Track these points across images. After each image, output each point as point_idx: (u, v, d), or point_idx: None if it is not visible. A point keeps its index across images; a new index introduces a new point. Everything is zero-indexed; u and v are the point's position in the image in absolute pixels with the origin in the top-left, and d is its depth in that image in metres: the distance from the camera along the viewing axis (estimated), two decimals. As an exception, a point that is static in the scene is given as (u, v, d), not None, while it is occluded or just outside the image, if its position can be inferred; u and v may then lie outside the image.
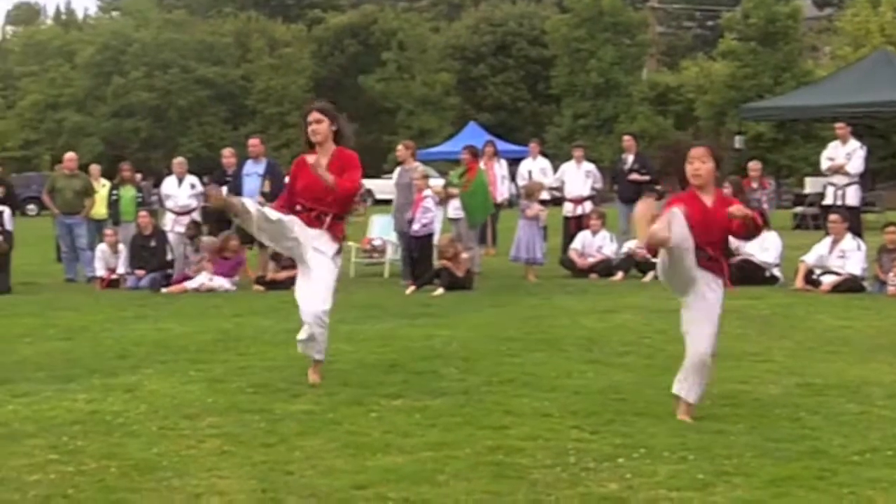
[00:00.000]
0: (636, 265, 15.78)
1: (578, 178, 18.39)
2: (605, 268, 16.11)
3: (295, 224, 7.88)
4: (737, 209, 6.48)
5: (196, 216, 16.93)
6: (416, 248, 15.31)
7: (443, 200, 16.23)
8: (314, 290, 7.89)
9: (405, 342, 9.96)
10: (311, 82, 61.47)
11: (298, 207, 8.05)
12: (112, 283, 16.10)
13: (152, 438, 6.40)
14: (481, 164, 16.95)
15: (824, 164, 18.02)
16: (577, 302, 13.02)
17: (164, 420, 6.85)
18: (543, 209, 16.40)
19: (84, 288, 16.22)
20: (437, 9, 73.77)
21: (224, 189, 13.79)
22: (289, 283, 11.29)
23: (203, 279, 15.25)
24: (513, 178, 20.95)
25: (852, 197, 17.45)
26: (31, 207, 45.29)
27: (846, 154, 17.63)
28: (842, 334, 10.32)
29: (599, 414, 6.84)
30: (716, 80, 49.68)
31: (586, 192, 18.30)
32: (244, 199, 8.35)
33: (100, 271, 16.37)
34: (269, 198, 13.70)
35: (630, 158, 18.41)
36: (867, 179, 21.32)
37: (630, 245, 15.89)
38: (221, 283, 15.24)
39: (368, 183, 49.62)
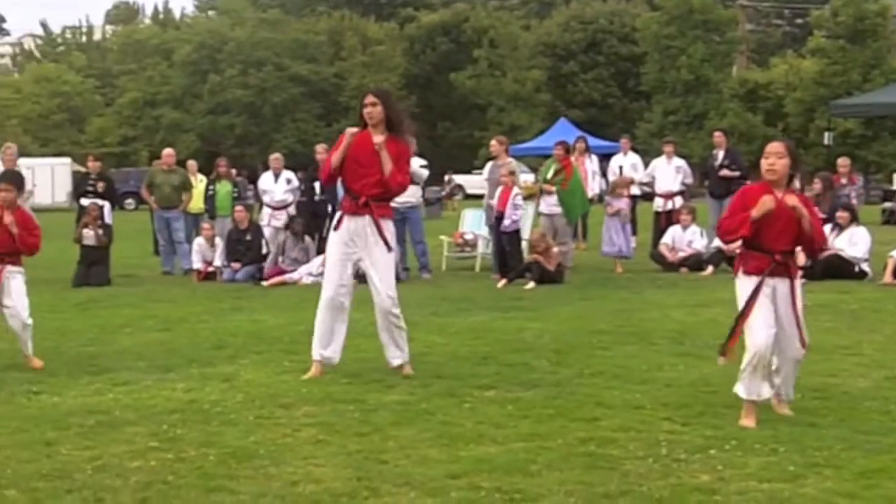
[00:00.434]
0: (726, 260, 15.63)
1: (669, 173, 18.37)
2: (695, 262, 16.04)
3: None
4: (794, 202, 6.43)
5: (291, 210, 17.16)
6: (507, 243, 15.37)
7: (535, 196, 16.27)
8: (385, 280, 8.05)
9: (497, 335, 10.01)
10: (403, 80, 61.79)
11: (346, 199, 8.11)
12: (208, 276, 16.33)
13: (249, 427, 6.49)
14: (572, 160, 16.95)
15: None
16: (668, 296, 12.97)
17: (261, 409, 6.94)
18: (624, 206, 16.48)
19: (181, 280, 16.48)
20: (528, 7, 73.81)
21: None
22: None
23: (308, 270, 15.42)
24: (603, 173, 20.92)
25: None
26: (129, 202, 46.30)
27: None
28: (933, 329, 10.15)
29: (690, 406, 6.85)
30: (805, 77, 49.39)
31: (676, 187, 18.25)
32: None
33: (196, 264, 16.60)
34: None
35: (720, 154, 18.23)
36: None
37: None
38: (316, 277, 15.39)
39: (459, 178, 50.06)
